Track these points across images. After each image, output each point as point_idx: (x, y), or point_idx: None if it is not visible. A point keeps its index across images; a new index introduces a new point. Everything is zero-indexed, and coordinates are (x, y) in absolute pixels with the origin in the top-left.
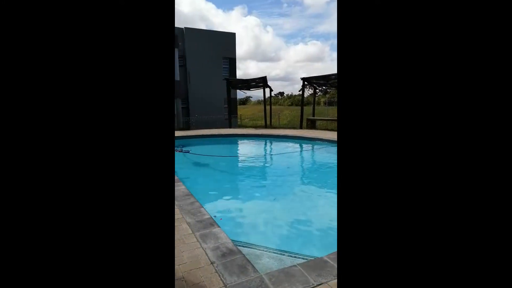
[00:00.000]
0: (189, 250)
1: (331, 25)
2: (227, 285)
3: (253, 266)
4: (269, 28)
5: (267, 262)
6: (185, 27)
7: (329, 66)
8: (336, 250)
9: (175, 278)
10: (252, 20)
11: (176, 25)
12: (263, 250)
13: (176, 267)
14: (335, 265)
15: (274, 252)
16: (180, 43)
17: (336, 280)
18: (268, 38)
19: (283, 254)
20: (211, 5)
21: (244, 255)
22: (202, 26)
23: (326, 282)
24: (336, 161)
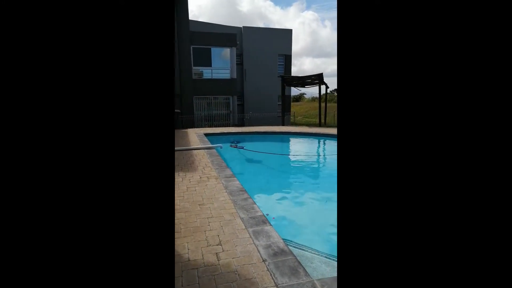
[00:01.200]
0: (242, 245)
1: None
2: (278, 285)
3: (304, 269)
4: (327, 23)
5: (318, 267)
6: (243, 26)
7: None
8: None
9: (229, 270)
10: (310, 15)
11: (235, 25)
12: (314, 253)
13: (230, 259)
14: None
15: (326, 257)
16: (238, 42)
17: None
18: (326, 33)
19: (336, 260)
20: (269, 3)
21: (295, 257)
22: (260, 24)
23: None
24: None
